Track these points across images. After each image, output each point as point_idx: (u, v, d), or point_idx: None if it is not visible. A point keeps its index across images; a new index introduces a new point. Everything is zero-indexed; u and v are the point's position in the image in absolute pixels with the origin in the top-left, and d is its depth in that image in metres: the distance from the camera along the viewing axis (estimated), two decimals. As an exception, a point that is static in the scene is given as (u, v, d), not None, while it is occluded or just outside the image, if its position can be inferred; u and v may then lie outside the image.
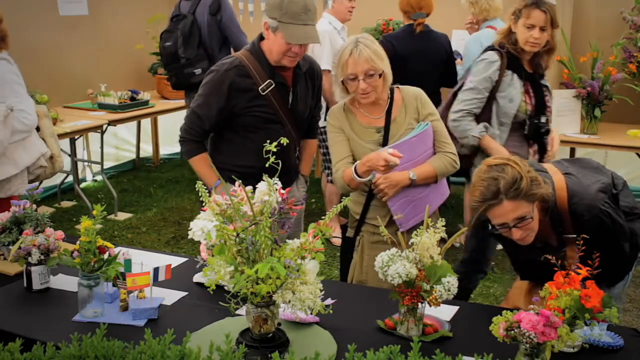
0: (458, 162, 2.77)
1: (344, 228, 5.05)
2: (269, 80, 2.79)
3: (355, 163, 2.66)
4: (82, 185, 6.13)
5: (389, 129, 2.72)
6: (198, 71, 4.78)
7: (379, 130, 2.73)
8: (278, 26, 2.67)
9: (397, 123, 2.73)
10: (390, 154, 2.51)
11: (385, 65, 2.66)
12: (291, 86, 2.88)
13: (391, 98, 2.75)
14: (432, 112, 2.77)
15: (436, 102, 4.63)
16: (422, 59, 4.45)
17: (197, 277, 2.40)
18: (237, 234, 1.78)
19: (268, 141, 1.86)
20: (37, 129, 3.63)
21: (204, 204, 1.87)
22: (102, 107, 5.59)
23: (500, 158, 2.12)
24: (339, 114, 2.78)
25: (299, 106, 2.92)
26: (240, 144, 2.88)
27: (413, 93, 2.79)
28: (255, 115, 2.81)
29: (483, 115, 3.49)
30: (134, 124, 6.63)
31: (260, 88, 2.78)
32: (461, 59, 4.63)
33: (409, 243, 2.04)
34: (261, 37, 2.82)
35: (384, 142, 2.71)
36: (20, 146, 3.42)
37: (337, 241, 4.91)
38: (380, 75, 2.64)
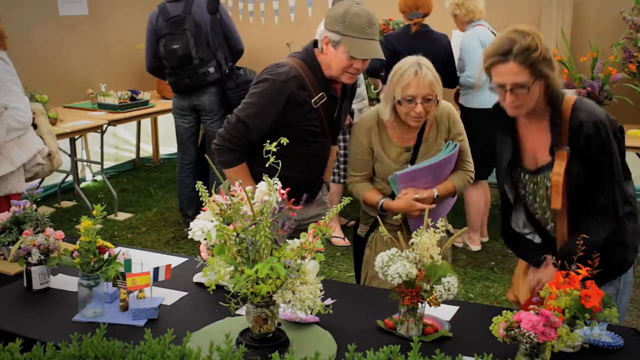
0: (473, 180, 2.88)
1: (344, 228, 5.09)
2: (322, 93, 2.66)
3: (382, 200, 2.73)
4: (82, 185, 6.14)
5: (419, 148, 2.74)
6: (211, 70, 4.74)
7: (408, 149, 2.74)
8: (341, 40, 2.53)
9: (428, 143, 2.75)
10: (422, 204, 2.64)
11: (440, 92, 2.65)
12: (340, 99, 2.79)
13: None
14: (461, 131, 2.81)
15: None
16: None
17: (197, 277, 2.40)
18: (237, 234, 1.78)
19: (268, 141, 1.87)
20: (35, 126, 3.63)
21: (204, 204, 1.87)
22: (102, 107, 5.60)
23: (531, 28, 2.18)
24: (372, 125, 2.75)
25: (342, 119, 2.87)
26: (282, 156, 2.66)
27: (446, 111, 2.78)
28: (306, 129, 2.67)
29: None
30: (133, 123, 6.63)
31: (313, 101, 2.65)
32: None
33: (409, 243, 2.04)
34: (314, 45, 2.69)
35: (412, 161, 2.75)
36: (16, 144, 3.42)
37: (338, 241, 4.91)
38: (437, 102, 2.64)
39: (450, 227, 2.93)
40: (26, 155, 3.45)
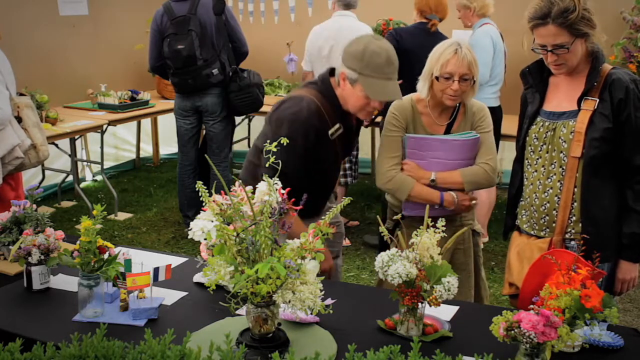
0: (493, 176, 2.75)
1: (345, 228, 5.08)
2: (338, 125, 2.61)
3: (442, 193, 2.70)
4: (82, 185, 6.14)
5: None
6: (215, 71, 4.74)
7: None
8: (358, 79, 2.45)
9: (455, 135, 2.76)
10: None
11: (477, 74, 2.67)
12: (355, 127, 2.79)
13: (457, 109, 2.77)
14: (487, 127, 2.78)
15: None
16: (423, 57, 4.44)
17: (197, 277, 2.40)
18: (237, 234, 1.78)
19: (268, 141, 1.86)
20: (20, 120, 3.60)
21: (204, 204, 1.87)
22: (102, 107, 5.60)
23: None
24: (408, 107, 2.76)
25: (353, 143, 2.89)
26: (298, 183, 2.26)
27: (477, 109, 2.80)
28: (323, 159, 2.63)
29: None
30: (133, 123, 6.63)
31: (330, 133, 2.59)
32: None
33: (409, 243, 2.04)
34: (331, 73, 2.62)
35: None
36: None
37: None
38: (473, 82, 2.66)
39: (478, 226, 2.93)
40: (1, 150, 3.42)
